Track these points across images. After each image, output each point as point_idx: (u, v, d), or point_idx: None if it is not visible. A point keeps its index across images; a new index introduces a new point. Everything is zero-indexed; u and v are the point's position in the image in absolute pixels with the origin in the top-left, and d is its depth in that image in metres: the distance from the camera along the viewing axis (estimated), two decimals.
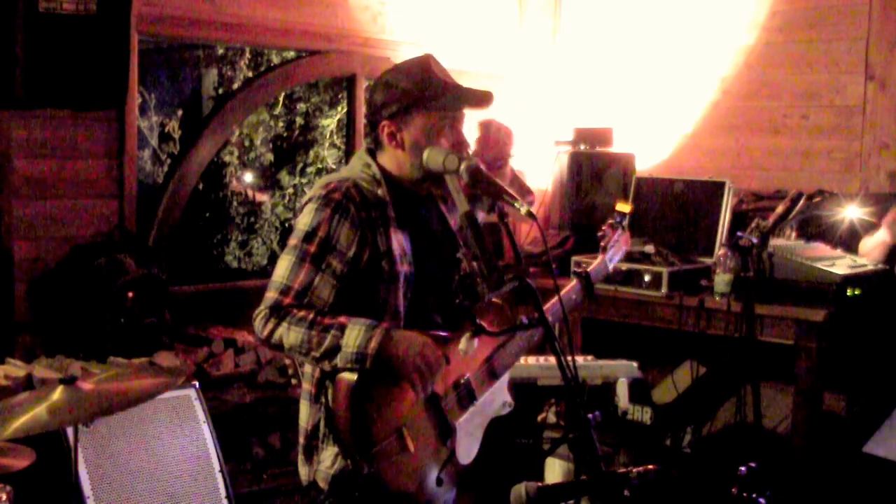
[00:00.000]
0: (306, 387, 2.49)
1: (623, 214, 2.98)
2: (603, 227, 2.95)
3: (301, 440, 2.49)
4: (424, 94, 2.41)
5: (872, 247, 4.21)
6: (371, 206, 2.41)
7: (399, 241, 2.43)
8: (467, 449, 2.50)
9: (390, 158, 2.49)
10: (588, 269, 2.84)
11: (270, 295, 2.36)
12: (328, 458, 2.40)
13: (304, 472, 2.48)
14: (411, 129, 2.43)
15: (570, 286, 2.78)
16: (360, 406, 2.28)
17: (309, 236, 2.37)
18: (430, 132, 2.43)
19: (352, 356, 2.27)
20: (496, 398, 2.60)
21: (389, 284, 2.41)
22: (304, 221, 2.39)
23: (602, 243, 2.93)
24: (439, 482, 2.40)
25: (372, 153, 2.52)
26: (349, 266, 2.38)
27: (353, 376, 2.29)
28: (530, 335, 2.60)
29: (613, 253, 2.93)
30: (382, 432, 2.30)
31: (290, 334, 2.30)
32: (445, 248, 2.58)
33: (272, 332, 2.31)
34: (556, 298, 2.56)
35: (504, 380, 2.63)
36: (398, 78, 2.44)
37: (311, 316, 2.30)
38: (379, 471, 2.27)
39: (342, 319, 2.30)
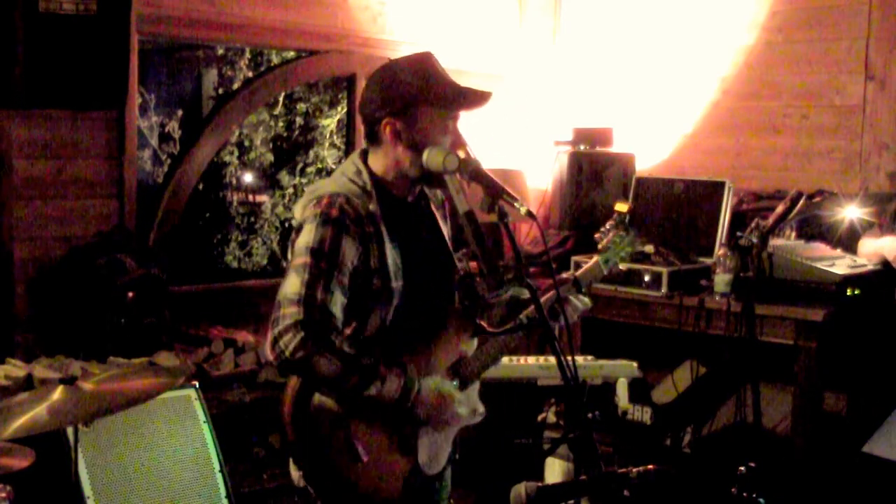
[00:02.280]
0: None
1: (622, 214, 2.97)
2: (602, 228, 2.92)
3: None
4: (429, 89, 2.37)
5: (871, 251, 4.20)
6: (363, 221, 2.36)
7: (393, 257, 2.38)
8: (433, 457, 2.45)
9: (387, 157, 2.43)
10: (577, 274, 2.77)
11: (292, 311, 2.23)
12: None
13: (295, 476, 2.46)
14: (415, 125, 2.38)
15: (550, 294, 2.66)
16: (303, 413, 2.26)
17: (317, 253, 2.28)
18: (433, 129, 2.38)
19: (388, 404, 2.29)
20: (464, 407, 2.49)
21: (381, 300, 2.36)
22: (306, 240, 2.31)
23: (599, 245, 2.90)
24: (409, 488, 2.37)
25: (364, 156, 2.47)
26: (352, 281, 2.33)
27: (298, 382, 2.27)
28: (504, 343, 2.55)
29: (612, 255, 2.89)
30: (330, 441, 2.27)
31: (329, 365, 2.22)
32: (438, 254, 2.54)
33: (307, 356, 2.20)
34: (548, 295, 2.53)
35: (474, 388, 2.55)
36: (400, 73, 2.39)
37: (348, 349, 2.25)
38: (340, 481, 2.27)
39: (382, 370, 2.27)
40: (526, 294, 2.58)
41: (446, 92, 2.38)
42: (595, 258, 2.83)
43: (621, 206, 2.99)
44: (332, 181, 2.46)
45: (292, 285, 2.26)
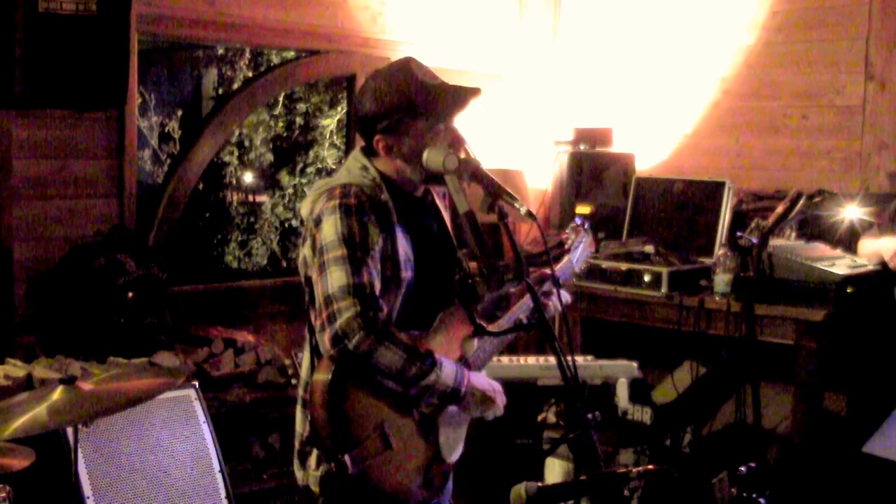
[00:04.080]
0: (301, 393, 2.47)
1: (583, 217, 3.00)
2: (566, 231, 2.97)
3: (296, 445, 2.47)
4: (414, 103, 2.37)
5: (871, 251, 4.20)
6: (378, 209, 2.37)
7: (403, 247, 2.40)
8: (452, 446, 2.48)
9: (388, 166, 2.45)
10: (556, 268, 2.81)
11: (346, 303, 2.21)
12: (315, 461, 2.38)
13: (299, 476, 2.46)
14: (407, 139, 2.39)
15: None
16: (336, 405, 2.26)
17: (350, 243, 2.28)
18: (426, 138, 2.39)
19: (444, 393, 2.33)
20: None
21: (390, 289, 2.37)
22: (334, 232, 2.29)
23: (566, 245, 2.93)
24: (428, 483, 2.39)
25: (367, 153, 2.48)
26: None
27: (328, 376, 2.25)
28: (502, 341, 2.59)
29: (580, 255, 2.92)
30: (362, 431, 2.28)
31: (392, 356, 2.24)
32: (443, 250, 2.56)
33: (371, 348, 2.21)
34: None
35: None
36: (384, 91, 2.38)
37: (407, 340, 2.27)
38: (364, 470, 2.26)
39: (437, 358, 2.31)
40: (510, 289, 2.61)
41: (430, 101, 2.38)
42: (566, 257, 2.90)
43: (583, 209, 3.03)
44: (342, 175, 2.47)
45: (338, 279, 2.24)
